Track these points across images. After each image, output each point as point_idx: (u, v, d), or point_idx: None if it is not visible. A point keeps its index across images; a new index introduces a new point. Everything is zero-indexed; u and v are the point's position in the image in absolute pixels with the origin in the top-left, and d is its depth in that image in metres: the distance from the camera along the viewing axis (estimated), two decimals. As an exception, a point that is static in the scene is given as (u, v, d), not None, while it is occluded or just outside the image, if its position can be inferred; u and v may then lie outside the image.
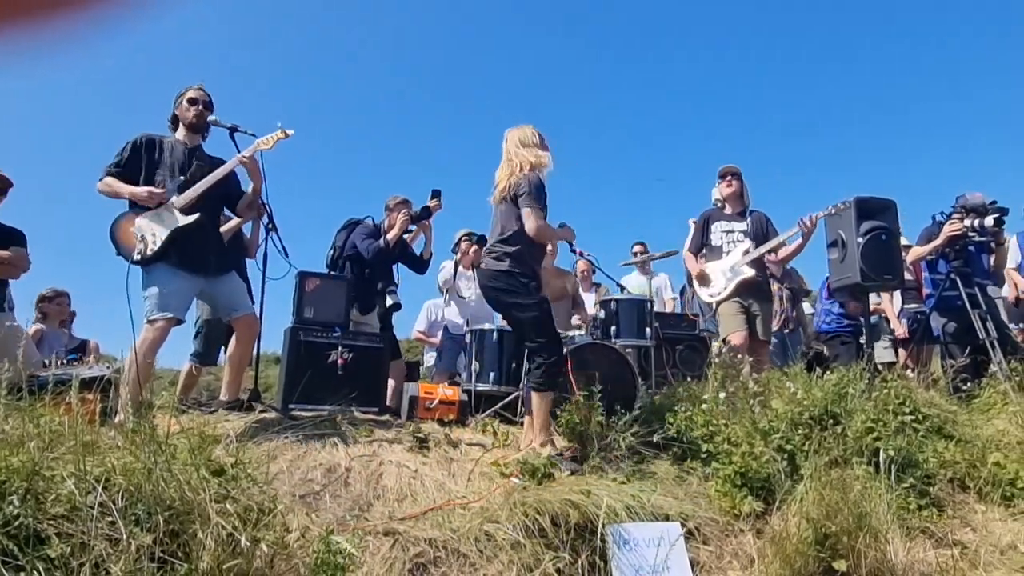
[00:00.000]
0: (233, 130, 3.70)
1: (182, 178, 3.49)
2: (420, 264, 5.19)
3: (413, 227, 5.07)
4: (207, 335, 4.80)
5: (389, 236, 4.83)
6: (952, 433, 3.64)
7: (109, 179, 3.42)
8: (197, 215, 3.43)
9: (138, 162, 3.49)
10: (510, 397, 4.18)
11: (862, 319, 6.07)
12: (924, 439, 3.49)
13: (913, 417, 3.57)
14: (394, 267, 5.08)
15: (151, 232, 3.36)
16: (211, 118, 3.68)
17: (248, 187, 3.78)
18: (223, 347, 4.72)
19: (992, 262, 5.29)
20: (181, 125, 3.66)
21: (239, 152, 3.65)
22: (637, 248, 6.72)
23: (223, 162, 3.69)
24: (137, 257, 3.33)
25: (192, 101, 3.65)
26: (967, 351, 4.67)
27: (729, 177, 4.94)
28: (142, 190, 3.38)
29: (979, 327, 4.63)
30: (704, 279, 4.86)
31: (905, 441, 3.31)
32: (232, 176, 3.70)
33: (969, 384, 4.33)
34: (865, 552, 2.49)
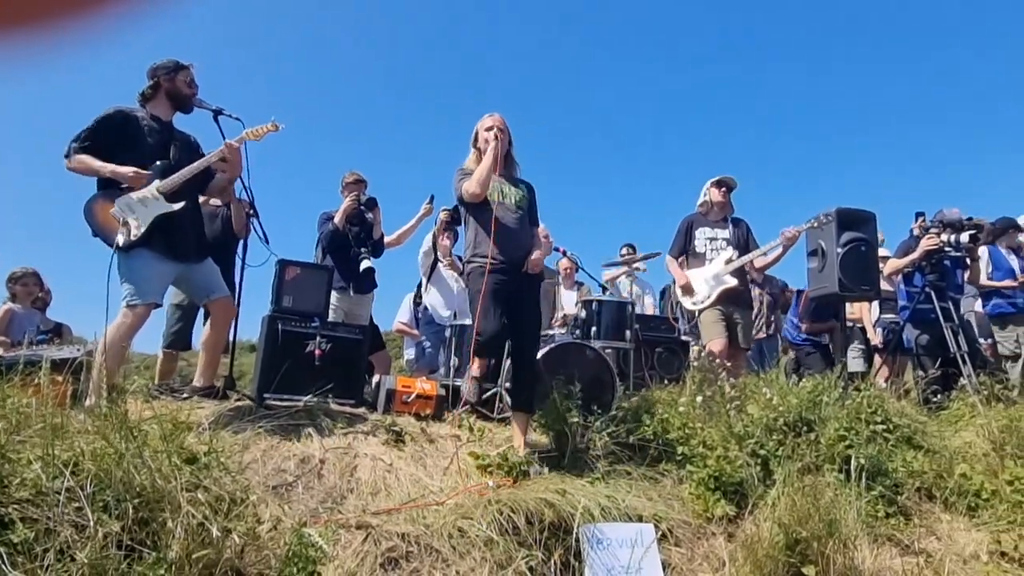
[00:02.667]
0: (217, 113, 3.63)
1: (159, 162, 3.37)
2: (373, 246, 5.06)
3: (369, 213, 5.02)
4: (180, 319, 4.71)
5: (336, 220, 4.84)
6: (921, 443, 3.71)
7: (84, 156, 3.23)
8: (183, 202, 3.34)
9: (113, 138, 3.32)
10: (488, 393, 4.17)
11: (822, 336, 6.24)
12: (894, 448, 3.55)
13: (884, 427, 3.63)
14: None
15: (133, 216, 3.23)
16: (196, 98, 3.61)
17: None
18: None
19: (966, 277, 5.41)
20: (161, 99, 3.50)
21: (223, 136, 3.58)
22: (624, 251, 6.73)
23: (192, 139, 3.60)
24: (121, 241, 3.19)
25: (194, 82, 3.57)
26: (938, 363, 4.77)
27: (725, 188, 4.98)
28: (128, 170, 3.24)
29: (951, 340, 4.72)
30: (687, 287, 4.88)
31: (876, 450, 3.36)
32: (240, 156, 3.60)
33: (939, 396, 4.42)
34: (834, 558, 2.53)
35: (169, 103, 3.53)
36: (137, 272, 3.23)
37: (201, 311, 4.44)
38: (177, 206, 3.31)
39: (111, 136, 3.32)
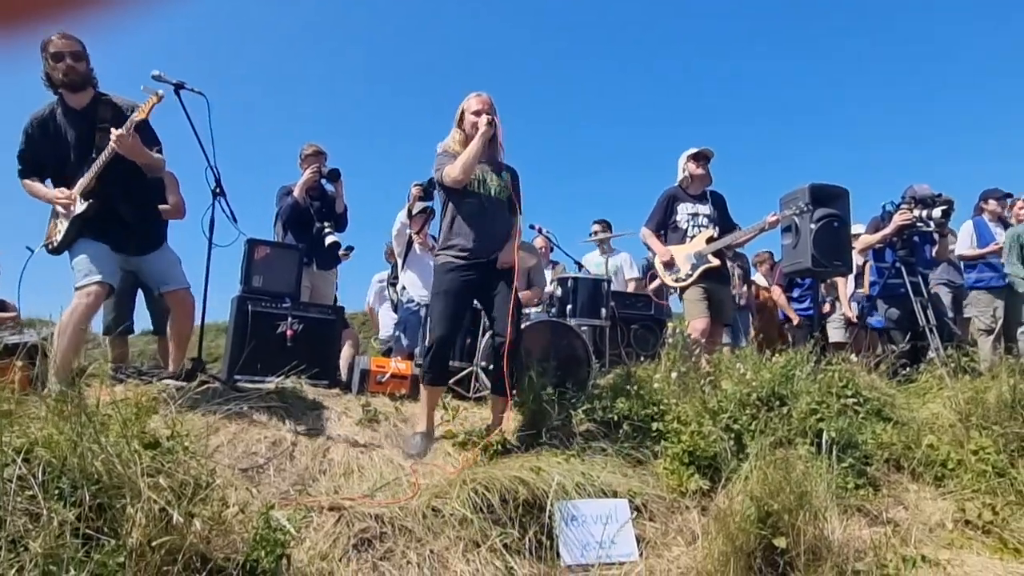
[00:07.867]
0: (179, 87, 3.48)
1: (93, 156, 3.21)
2: (336, 220, 4.96)
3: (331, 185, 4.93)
4: (115, 306, 4.49)
5: (295, 192, 4.75)
6: (890, 416, 3.76)
7: (27, 182, 3.25)
8: (89, 202, 3.18)
9: (39, 151, 3.22)
10: (463, 372, 4.15)
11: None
12: (864, 421, 3.60)
13: (855, 400, 3.68)
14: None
15: (61, 222, 3.22)
16: (155, 73, 3.45)
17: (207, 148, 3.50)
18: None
19: (934, 252, 5.48)
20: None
21: (185, 111, 3.46)
22: (596, 227, 6.72)
23: (121, 110, 3.31)
24: (49, 247, 3.22)
25: (56, 57, 3.09)
26: (908, 337, 4.85)
27: (703, 160, 4.95)
28: (59, 197, 3.19)
29: (920, 314, 4.80)
30: (670, 263, 4.86)
31: (846, 423, 3.40)
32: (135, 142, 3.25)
33: (908, 369, 4.49)
34: (804, 529, 2.55)
35: (62, 89, 3.18)
36: (77, 254, 3.18)
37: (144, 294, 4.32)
38: (83, 207, 3.17)
39: (37, 148, 3.24)
